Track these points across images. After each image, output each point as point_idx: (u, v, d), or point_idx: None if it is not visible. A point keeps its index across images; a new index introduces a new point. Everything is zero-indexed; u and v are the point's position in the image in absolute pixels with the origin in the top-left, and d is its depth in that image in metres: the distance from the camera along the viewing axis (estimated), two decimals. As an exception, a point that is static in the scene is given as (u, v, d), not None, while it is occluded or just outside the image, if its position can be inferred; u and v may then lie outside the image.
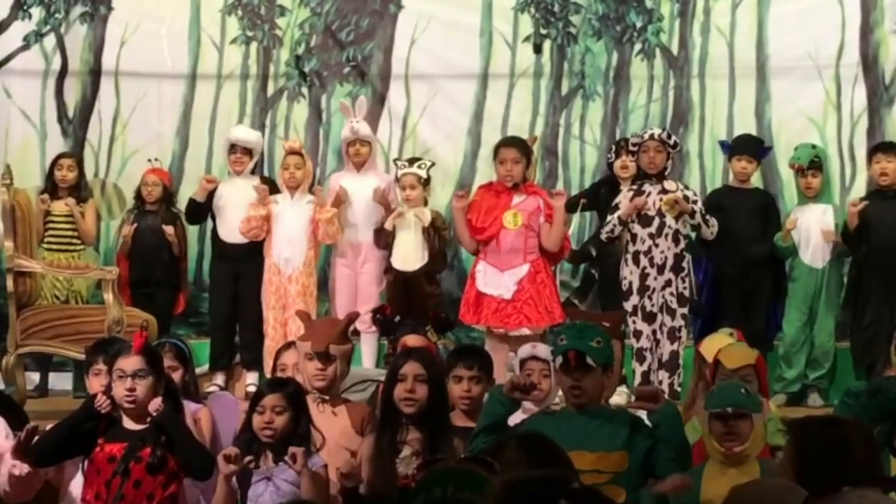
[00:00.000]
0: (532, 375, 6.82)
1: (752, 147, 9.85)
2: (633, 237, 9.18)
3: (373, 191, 9.74)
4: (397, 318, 8.43)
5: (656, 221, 9.13)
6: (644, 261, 9.13)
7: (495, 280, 9.10)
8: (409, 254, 9.49)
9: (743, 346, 6.88)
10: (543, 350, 6.99)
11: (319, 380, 6.66)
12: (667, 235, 9.13)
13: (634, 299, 9.15)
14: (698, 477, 5.68)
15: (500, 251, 9.11)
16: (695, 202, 9.25)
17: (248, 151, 10.03)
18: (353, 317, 7.22)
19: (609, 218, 9.27)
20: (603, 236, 9.41)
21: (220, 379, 9.88)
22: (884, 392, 5.37)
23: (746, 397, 5.78)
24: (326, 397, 6.66)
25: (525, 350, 7.10)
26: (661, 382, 8.90)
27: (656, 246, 9.12)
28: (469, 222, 9.18)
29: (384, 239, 9.57)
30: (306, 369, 6.72)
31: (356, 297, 9.81)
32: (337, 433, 6.45)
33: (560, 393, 6.33)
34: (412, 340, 7.33)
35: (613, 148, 10.01)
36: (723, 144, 10.16)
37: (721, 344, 6.94)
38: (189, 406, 6.70)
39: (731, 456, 5.64)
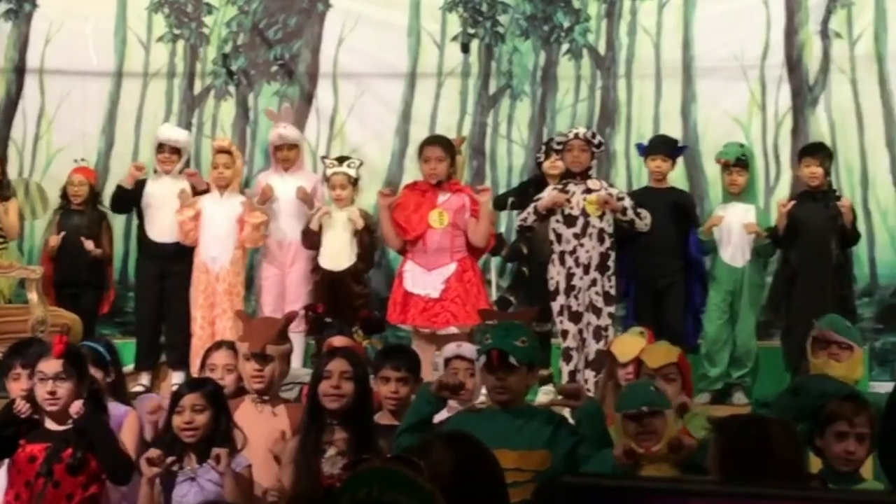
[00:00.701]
0: (457, 374, 6.86)
1: (665, 146, 9.92)
2: (559, 237, 9.21)
3: (295, 189, 9.72)
4: (328, 319, 8.40)
5: (580, 221, 9.15)
6: (570, 261, 9.16)
7: (422, 279, 9.10)
8: (338, 253, 9.48)
9: (665, 344, 6.90)
10: (468, 349, 7.03)
11: (257, 381, 6.64)
12: (591, 235, 9.16)
13: (561, 299, 9.17)
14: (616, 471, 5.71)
15: (427, 250, 9.12)
16: (621, 199, 9.30)
17: (177, 151, 9.97)
18: (291, 317, 7.21)
19: (528, 208, 9.30)
20: (517, 224, 9.47)
21: (145, 379, 9.82)
22: (806, 391, 5.41)
23: (657, 395, 5.83)
24: (266, 398, 6.65)
25: (450, 349, 7.13)
26: (587, 381, 8.93)
27: (581, 246, 9.15)
28: (395, 222, 9.18)
29: (310, 239, 9.55)
30: (244, 370, 6.70)
31: (284, 296, 9.78)
32: (275, 434, 6.44)
33: (484, 391, 6.36)
34: (338, 342, 7.31)
35: (543, 148, 10.03)
36: (639, 146, 10.21)
37: (632, 343, 6.97)
38: (118, 408, 6.66)
39: (647, 456, 5.67)
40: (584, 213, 9.14)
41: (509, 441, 5.57)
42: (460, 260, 9.13)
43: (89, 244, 10.01)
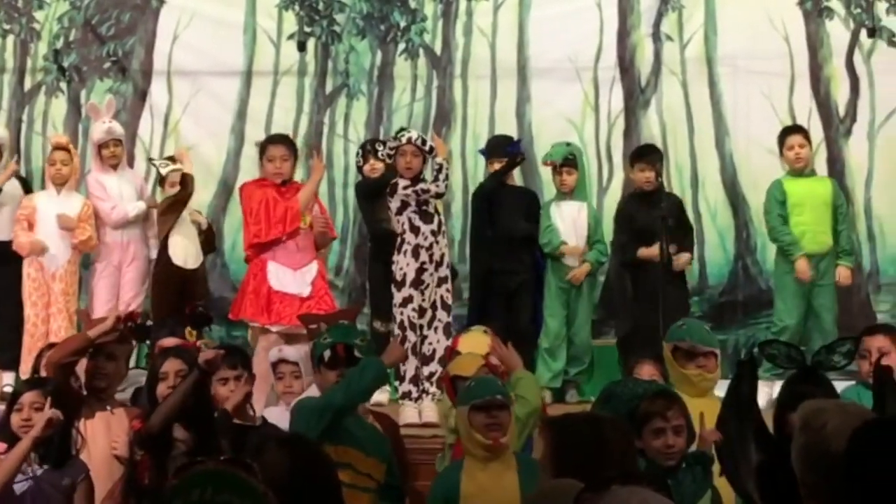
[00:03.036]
0: (283, 378, 6.95)
1: (502, 147, 9.97)
2: (416, 230, 9.10)
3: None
4: (150, 322, 8.26)
5: (436, 219, 9.14)
6: (424, 255, 9.10)
7: (291, 279, 8.97)
8: (194, 252, 9.44)
9: (468, 353, 6.85)
10: (291, 352, 7.08)
11: (99, 379, 6.58)
12: (445, 233, 9.20)
13: (406, 291, 9.09)
14: (456, 473, 5.76)
15: (293, 250, 9.03)
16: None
17: (-5, 146, 9.80)
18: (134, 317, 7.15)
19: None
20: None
21: (-25, 380, 9.64)
22: (616, 397, 5.47)
23: (504, 388, 5.92)
24: (104, 397, 6.59)
25: (273, 354, 7.18)
26: (431, 376, 8.89)
27: (437, 243, 9.12)
28: (256, 215, 9.03)
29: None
30: (87, 368, 6.63)
31: (118, 295, 9.66)
32: (113, 434, 6.39)
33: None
34: (169, 342, 7.24)
35: (360, 152, 9.94)
36: (482, 152, 10.26)
37: (476, 341, 6.99)
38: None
39: (495, 447, 5.72)
40: (437, 212, 9.17)
41: (365, 445, 5.65)
42: (315, 258, 9.14)
43: None
